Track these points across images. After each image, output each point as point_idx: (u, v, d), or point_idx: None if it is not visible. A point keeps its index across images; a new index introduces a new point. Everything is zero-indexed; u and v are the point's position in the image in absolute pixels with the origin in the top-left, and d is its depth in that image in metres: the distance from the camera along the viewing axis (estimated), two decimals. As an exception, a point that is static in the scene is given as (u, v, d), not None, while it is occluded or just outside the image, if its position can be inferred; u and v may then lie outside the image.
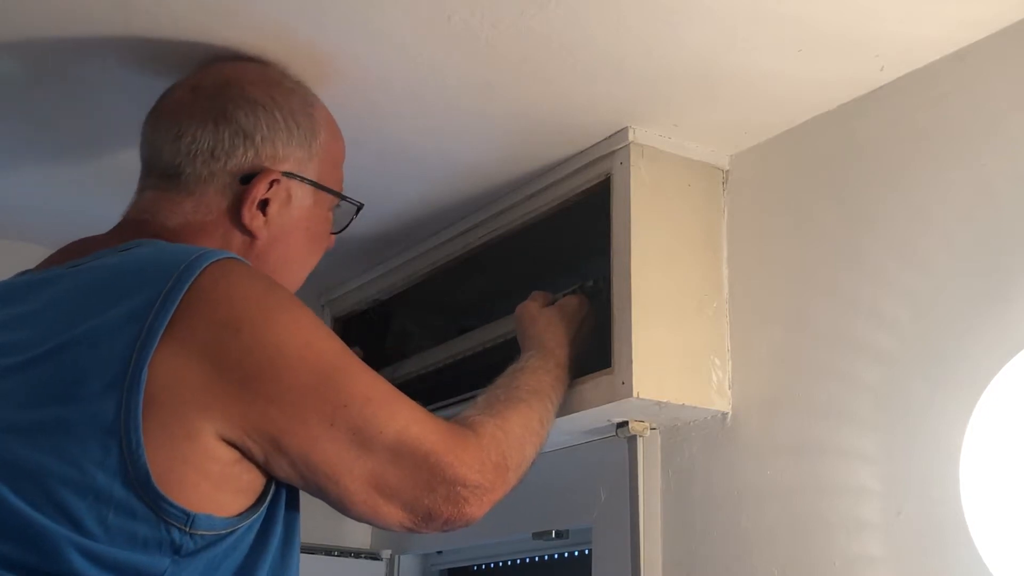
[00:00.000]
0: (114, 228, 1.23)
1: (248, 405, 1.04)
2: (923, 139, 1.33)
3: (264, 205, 1.24)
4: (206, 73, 1.31)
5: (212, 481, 1.04)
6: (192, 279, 1.04)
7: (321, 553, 2.12)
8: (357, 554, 2.16)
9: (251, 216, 1.23)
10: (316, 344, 1.10)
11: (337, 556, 2.14)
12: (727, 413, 1.49)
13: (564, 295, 1.56)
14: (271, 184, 1.24)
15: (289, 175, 1.26)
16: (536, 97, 1.43)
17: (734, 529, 1.45)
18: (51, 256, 1.21)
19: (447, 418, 1.19)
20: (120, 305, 1.04)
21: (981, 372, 1.16)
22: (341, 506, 1.13)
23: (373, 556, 2.17)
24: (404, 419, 1.12)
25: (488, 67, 1.36)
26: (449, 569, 2.20)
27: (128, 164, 1.34)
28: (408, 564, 2.18)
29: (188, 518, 1.02)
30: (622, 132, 1.51)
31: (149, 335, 1.01)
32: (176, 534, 1.01)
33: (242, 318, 1.06)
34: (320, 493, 1.12)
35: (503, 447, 1.21)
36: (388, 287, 1.96)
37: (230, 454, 1.05)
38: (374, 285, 1.98)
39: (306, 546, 2.08)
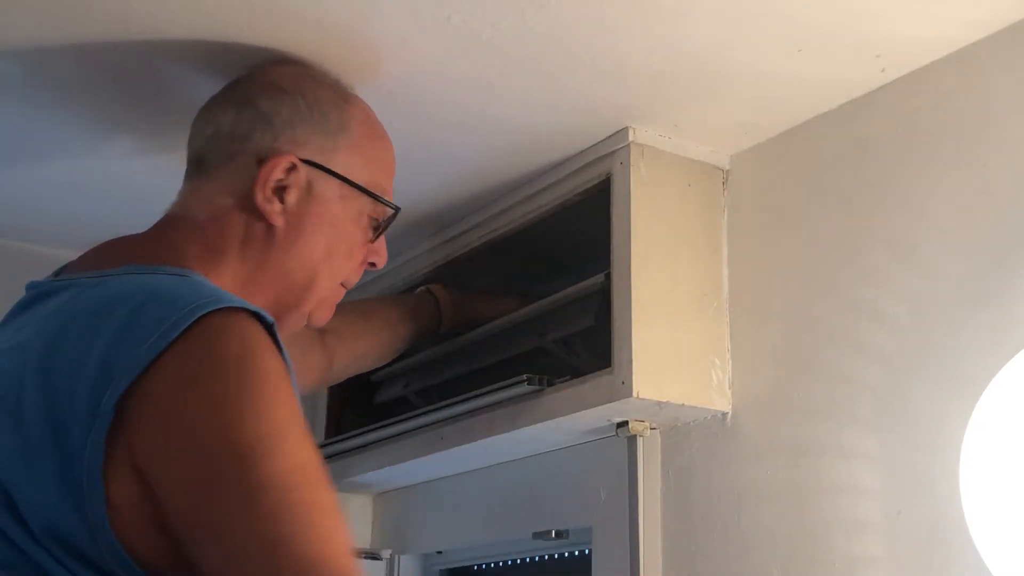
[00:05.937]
0: (153, 226, 1.20)
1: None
2: (923, 139, 1.33)
3: (282, 192, 1.20)
4: (247, 72, 1.30)
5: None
6: (178, 333, 0.96)
7: (321, 553, 2.11)
8: (357, 554, 2.16)
9: (264, 198, 1.19)
10: (273, 456, 0.95)
11: (337, 556, 2.14)
12: (727, 413, 1.49)
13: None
14: (289, 170, 1.20)
15: (310, 163, 1.21)
16: (536, 97, 1.43)
17: (734, 529, 1.45)
18: (82, 256, 1.17)
19: None
20: (96, 349, 0.97)
21: (981, 372, 1.16)
22: None
23: (373, 556, 2.16)
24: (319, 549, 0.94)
25: (488, 67, 1.36)
26: (449, 569, 2.19)
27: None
28: (408, 564, 2.17)
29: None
30: (622, 132, 1.51)
31: (119, 383, 0.95)
32: None
33: (204, 381, 0.96)
34: None
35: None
36: (388, 288, 1.96)
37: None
38: (373, 287, 1.98)
39: (306, 546, 2.10)
